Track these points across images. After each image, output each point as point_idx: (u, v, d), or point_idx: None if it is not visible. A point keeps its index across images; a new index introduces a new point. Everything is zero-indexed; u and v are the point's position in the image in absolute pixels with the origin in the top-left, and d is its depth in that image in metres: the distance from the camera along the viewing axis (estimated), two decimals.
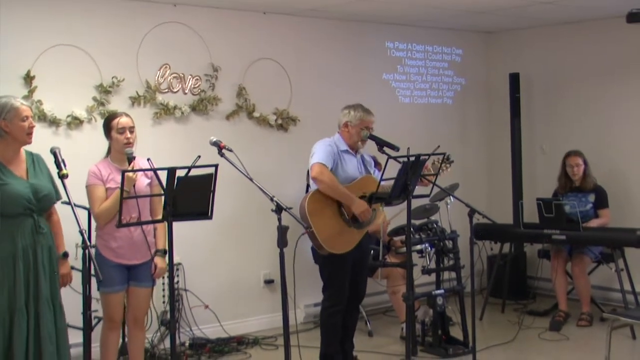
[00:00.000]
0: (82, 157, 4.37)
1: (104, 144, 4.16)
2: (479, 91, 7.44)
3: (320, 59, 6.26)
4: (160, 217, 4.04)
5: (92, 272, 3.39)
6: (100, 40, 5.12)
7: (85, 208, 4.33)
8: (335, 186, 4.40)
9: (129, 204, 3.88)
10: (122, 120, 4.04)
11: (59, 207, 3.79)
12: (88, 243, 3.34)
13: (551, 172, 6.44)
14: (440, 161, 4.66)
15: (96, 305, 4.22)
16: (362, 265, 4.70)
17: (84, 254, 3.38)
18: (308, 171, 4.96)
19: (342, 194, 4.41)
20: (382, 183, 4.39)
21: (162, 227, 4.11)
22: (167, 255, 4.05)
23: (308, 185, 5.07)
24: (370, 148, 4.83)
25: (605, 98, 6.58)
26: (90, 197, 4.00)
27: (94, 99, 5.11)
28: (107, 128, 4.08)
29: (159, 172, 3.58)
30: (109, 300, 4.04)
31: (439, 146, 4.65)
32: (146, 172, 4.02)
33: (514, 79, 6.94)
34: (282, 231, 3.65)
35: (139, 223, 3.96)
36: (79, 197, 3.90)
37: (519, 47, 7.23)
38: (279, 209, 3.68)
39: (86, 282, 3.41)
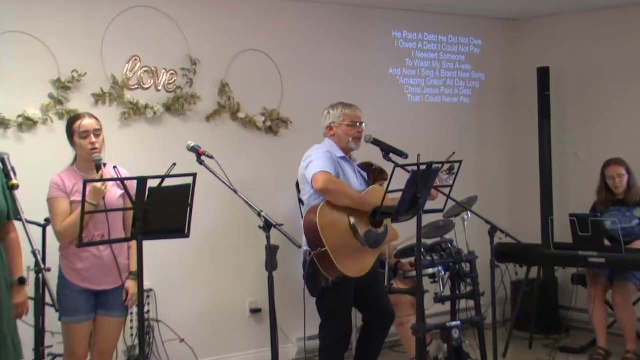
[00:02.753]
0: (36, 164, 4.39)
1: (63, 149, 4.18)
2: (501, 88, 7.47)
3: (316, 51, 6.30)
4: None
5: (49, 300, 3.38)
6: (58, 27, 5.14)
7: (38, 224, 4.35)
8: (349, 193, 4.46)
9: (97, 219, 3.89)
10: (85, 123, 4.06)
11: None
12: (42, 265, 3.33)
13: (586, 183, 6.46)
14: (445, 172, 4.70)
15: (51, 340, 4.23)
16: (377, 284, 4.77)
17: (37, 279, 3.37)
18: (297, 185, 4.99)
19: (357, 201, 4.48)
20: (389, 196, 4.42)
21: (135, 247, 4.11)
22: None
23: (300, 201, 5.09)
24: (371, 155, 4.86)
25: None
26: (52, 212, 4.02)
27: (51, 96, 5.12)
28: (70, 132, 4.09)
29: (127, 182, 3.60)
30: (72, 331, 4.02)
31: (454, 153, 4.68)
32: (119, 182, 4.03)
33: (543, 74, 6.98)
34: (272, 252, 3.67)
35: (104, 242, 3.96)
36: (32, 211, 3.92)
37: (548, 37, 7.27)
38: (267, 226, 3.70)
39: (39, 313, 3.38)
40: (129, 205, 3.93)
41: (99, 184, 3.82)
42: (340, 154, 4.66)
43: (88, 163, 4.02)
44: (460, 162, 4.68)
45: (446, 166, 4.86)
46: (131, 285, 4.10)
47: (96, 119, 4.13)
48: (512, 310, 6.64)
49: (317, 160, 4.50)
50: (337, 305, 4.56)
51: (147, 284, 5.02)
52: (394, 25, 6.77)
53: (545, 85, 6.97)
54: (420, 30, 6.91)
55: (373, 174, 5.29)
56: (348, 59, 6.47)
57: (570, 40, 7.12)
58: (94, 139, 4.03)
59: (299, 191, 5.04)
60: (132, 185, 3.83)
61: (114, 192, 4.04)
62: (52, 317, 4.10)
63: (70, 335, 4.03)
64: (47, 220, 4.39)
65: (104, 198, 3.91)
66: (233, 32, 5.88)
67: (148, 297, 5.31)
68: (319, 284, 4.46)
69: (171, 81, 5.58)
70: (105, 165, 3.98)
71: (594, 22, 6.95)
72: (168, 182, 3.44)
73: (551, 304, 6.85)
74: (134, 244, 4.05)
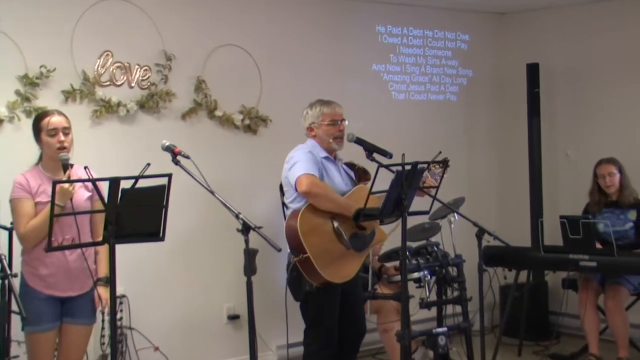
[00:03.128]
0: (2, 164, 4.35)
1: (31, 148, 4.15)
2: (489, 85, 7.51)
3: (296, 46, 6.30)
4: (101, 238, 4.05)
5: (15, 307, 3.36)
6: (25, 20, 5.11)
7: (4, 228, 4.31)
8: (333, 197, 4.47)
9: (63, 222, 3.87)
10: (54, 120, 4.03)
11: None
12: (8, 271, 3.32)
13: (578, 184, 6.49)
14: (439, 167, 4.71)
15: (17, 350, 4.20)
16: (355, 295, 4.76)
17: (2, 285, 3.35)
18: (281, 187, 4.98)
19: (342, 205, 4.48)
20: (375, 196, 4.42)
21: (104, 251, 4.10)
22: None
23: (284, 205, 5.09)
24: (354, 154, 4.87)
25: None
26: (14, 213, 3.99)
27: (17, 92, 5.09)
28: (36, 129, 4.07)
29: (99, 183, 3.58)
30: (36, 341, 3.99)
31: (440, 152, 4.68)
32: (87, 183, 4.00)
33: (532, 70, 7.02)
34: (250, 255, 3.67)
35: (74, 246, 3.94)
36: None
37: (538, 32, 7.31)
38: (246, 229, 3.69)
39: (5, 321, 3.37)
40: (97, 208, 3.94)
41: (66, 185, 3.79)
42: (324, 154, 4.66)
43: (55, 163, 3.99)
44: (447, 161, 4.69)
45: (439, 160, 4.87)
46: (103, 291, 4.08)
47: (65, 116, 4.11)
48: (500, 316, 6.66)
49: (300, 162, 4.50)
50: (322, 309, 4.57)
51: (119, 290, 5.00)
52: (378, 20, 6.78)
53: (534, 81, 7.01)
54: (404, 25, 6.93)
55: (357, 174, 5.30)
56: (330, 54, 6.48)
57: (561, 35, 7.16)
58: (62, 137, 4.00)
59: (282, 194, 5.03)
60: (101, 187, 3.83)
61: (81, 194, 4.02)
62: (18, 326, 4.06)
63: (35, 346, 4.00)
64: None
65: (71, 200, 3.88)
66: (210, 26, 5.87)
67: (121, 303, 5.28)
68: (303, 287, 4.46)
69: (145, 77, 5.56)
70: (72, 166, 3.94)
71: (585, 16, 6.99)
72: (142, 183, 3.43)
73: (541, 309, 6.89)
74: (102, 248, 4.07)
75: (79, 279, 4.02)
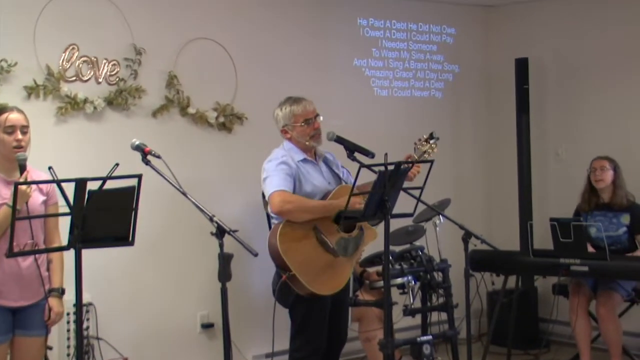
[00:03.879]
0: None
1: None
2: (476, 81, 7.55)
3: (273, 40, 6.30)
4: (56, 244, 4.04)
5: None
6: None
7: None
8: (308, 205, 4.48)
9: (17, 227, 3.83)
10: (12, 117, 4.00)
11: None
12: None
13: (569, 185, 6.54)
14: (425, 144, 4.73)
15: None
16: (342, 301, 4.77)
17: None
18: (263, 195, 4.99)
19: (319, 210, 4.51)
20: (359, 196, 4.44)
21: (58, 260, 4.09)
22: (64, 295, 4.05)
23: (268, 216, 5.10)
24: (335, 153, 4.88)
25: None
26: None
27: None
28: None
29: (64, 184, 3.57)
30: None
31: (422, 137, 4.71)
32: (42, 186, 3.99)
33: (521, 66, 7.06)
34: (225, 260, 3.67)
35: (38, 251, 3.92)
36: None
37: (527, 26, 7.35)
38: (220, 232, 3.70)
39: None
40: (52, 212, 3.94)
41: (24, 186, 3.77)
42: (302, 156, 4.67)
43: (9, 163, 3.96)
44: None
45: (425, 137, 4.90)
46: (54, 303, 4.03)
47: (24, 114, 4.06)
48: (488, 324, 6.69)
49: (270, 177, 4.53)
50: (311, 315, 4.58)
51: (85, 298, 4.99)
52: (359, 12, 6.80)
53: (523, 77, 7.04)
54: (387, 18, 6.95)
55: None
56: (309, 48, 6.49)
57: (552, 29, 7.20)
58: (20, 136, 3.95)
59: (265, 203, 5.04)
60: (54, 190, 3.82)
61: (35, 198, 3.96)
62: None
63: None
64: None
65: (27, 203, 3.85)
66: (182, 18, 5.86)
67: (87, 312, 5.27)
68: (291, 294, 4.48)
69: (113, 72, 5.54)
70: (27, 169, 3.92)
71: (577, 9, 7.03)
72: (110, 185, 3.43)
73: (530, 316, 6.93)
74: (56, 256, 4.06)
75: (31, 287, 3.97)
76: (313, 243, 4.48)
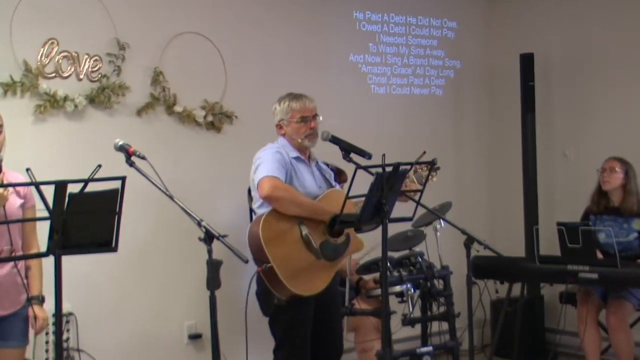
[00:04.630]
0: None
1: None
2: (478, 78, 7.56)
3: (265, 34, 6.31)
4: (34, 249, 4.03)
5: None
6: None
7: None
8: (299, 199, 4.47)
9: None
10: None
11: None
12: None
13: (577, 187, 6.55)
14: (425, 169, 4.74)
15: None
16: (333, 310, 4.77)
17: None
18: (249, 191, 4.99)
19: (309, 208, 4.49)
20: (350, 201, 4.44)
21: (37, 266, 4.09)
22: (48, 302, 4.04)
23: (251, 211, 5.10)
24: (329, 154, 4.88)
25: None
26: None
27: None
28: None
29: (43, 187, 3.56)
30: None
31: (424, 152, 4.73)
32: (19, 189, 3.98)
33: (527, 62, 7.07)
34: (214, 267, 3.67)
35: (16, 258, 3.92)
36: None
37: (533, 19, 7.37)
38: (209, 237, 3.69)
39: None
40: (30, 216, 3.93)
41: (1, 189, 3.76)
42: (295, 153, 4.67)
43: None
44: (433, 162, 4.72)
45: (428, 166, 4.91)
46: (38, 310, 4.03)
47: None
48: (492, 334, 6.70)
49: (264, 164, 4.51)
50: (293, 326, 4.57)
51: (66, 307, 4.98)
52: (355, 5, 6.82)
53: (529, 74, 7.05)
54: (385, 11, 6.97)
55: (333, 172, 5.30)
56: (302, 43, 6.50)
57: (559, 22, 7.22)
58: None
59: (250, 199, 5.04)
60: (32, 193, 3.81)
61: (13, 201, 3.95)
62: None
63: None
64: None
65: (4, 207, 3.84)
66: (168, 11, 5.86)
67: (67, 322, 5.26)
68: (272, 301, 4.47)
69: (95, 68, 5.54)
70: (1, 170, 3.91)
71: (587, 2, 7.04)
72: (92, 187, 3.43)
73: (536, 326, 6.94)
74: (34, 262, 4.05)
75: (9, 295, 3.96)
76: (296, 239, 4.47)
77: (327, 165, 5.07)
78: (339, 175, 5.54)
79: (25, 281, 4.04)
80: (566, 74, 7.21)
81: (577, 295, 6.13)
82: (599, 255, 5.83)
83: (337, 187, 4.92)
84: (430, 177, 4.82)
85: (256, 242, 4.35)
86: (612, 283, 5.79)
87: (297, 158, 4.66)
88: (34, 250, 4.02)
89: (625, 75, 6.85)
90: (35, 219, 3.98)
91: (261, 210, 4.56)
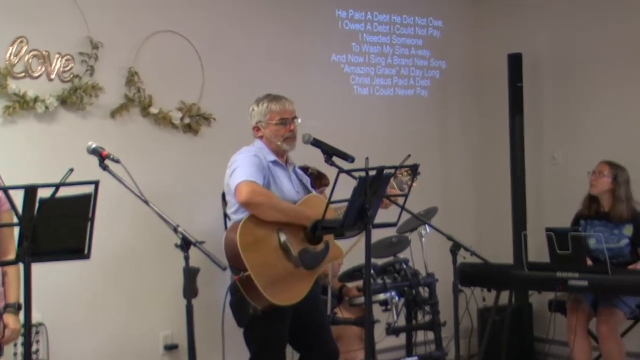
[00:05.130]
0: None
1: None
2: (465, 79, 7.58)
3: (244, 33, 6.30)
4: (12, 256, 4.01)
5: None
6: None
7: None
8: (278, 204, 4.47)
9: None
10: None
11: None
12: None
13: (567, 191, 6.57)
14: (406, 174, 4.75)
15: None
16: (317, 314, 4.78)
17: None
18: (223, 195, 4.98)
19: (290, 213, 4.50)
20: (332, 207, 4.44)
21: (14, 272, 4.06)
22: (21, 311, 4.03)
23: (226, 216, 5.09)
24: (310, 157, 4.88)
25: None
26: None
27: None
28: None
29: (12, 191, 3.55)
30: None
31: (409, 155, 4.73)
32: None
33: (515, 62, 7.10)
34: (191, 275, 3.67)
35: None
36: None
37: (521, 18, 7.40)
38: (186, 244, 3.69)
39: None
40: (5, 220, 3.91)
41: None
42: (272, 157, 4.67)
43: None
44: (416, 166, 4.73)
45: (409, 170, 4.92)
46: (10, 320, 4.02)
47: None
48: (478, 343, 6.71)
49: (241, 167, 4.49)
50: (269, 337, 4.57)
51: (35, 317, 4.97)
52: (337, 3, 6.82)
53: (517, 74, 7.09)
54: (369, 9, 6.98)
55: (311, 179, 5.30)
56: (282, 43, 6.50)
57: (547, 22, 7.24)
58: None
59: (225, 203, 5.03)
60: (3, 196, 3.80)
61: None
62: None
63: None
64: None
65: None
66: (144, 9, 5.85)
67: (37, 332, 5.24)
68: (247, 311, 4.46)
69: (67, 68, 5.52)
70: None
71: (577, 2, 7.07)
72: (63, 192, 3.42)
73: (525, 335, 6.97)
74: (12, 269, 4.03)
75: None
76: (274, 247, 4.47)
77: (304, 170, 5.07)
78: (320, 179, 5.54)
79: (1, 289, 4.03)
80: (555, 74, 7.24)
81: (567, 303, 6.14)
82: (589, 261, 5.85)
83: (315, 193, 4.92)
84: (408, 182, 4.84)
85: (233, 249, 4.34)
86: (603, 290, 5.80)
87: (274, 162, 4.65)
88: (11, 256, 4.00)
89: (616, 75, 6.86)
90: (3, 225, 3.95)
91: (236, 216, 4.55)
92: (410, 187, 4.76)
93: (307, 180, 4.94)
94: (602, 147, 6.66)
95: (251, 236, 4.39)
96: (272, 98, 4.74)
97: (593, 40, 6.98)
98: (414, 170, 4.76)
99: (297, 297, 4.51)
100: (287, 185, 4.67)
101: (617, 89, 6.87)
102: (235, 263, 4.33)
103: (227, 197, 4.72)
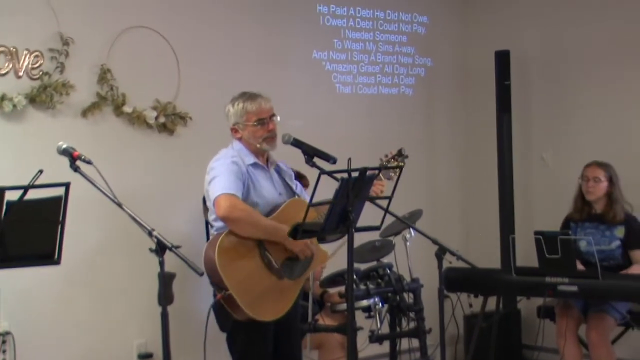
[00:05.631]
0: None
1: None
2: (451, 77, 7.60)
3: (221, 28, 6.30)
4: None
5: None
6: None
7: None
8: (257, 221, 4.45)
9: None
10: None
11: None
12: None
13: (556, 193, 6.59)
14: (395, 160, 4.75)
15: None
16: (290, 328, 4.76)
17: None
18: (204, 201, 4.96)
19: (269, 230, 4.47)
20: (314, 208, 4.43)
21: None
22: None
23: (207, 223, 5.08)
24: (290, 158, 4.88)
25: (637, 87, 6.74)
26: None
27: None
28: None
29: None
30: None
31: (390, 152, 4.72)
32: None
33: (502, 60, 7.12)
34: (166, 281, 3.66)
35: None
36: None
37: (509, 14, 7.42)
38: (161, 248, 3.68)
39: None
40: None
41: None
42: (252, 159, 4.65)
43: None
44: (400, 167, 4.73)
45: (393, 153, 4.93)
46: None
47: None
48: (465, 351, 6.71)
49: (220, 177, 4.48)
50: (253, 343, 4.56)
51: (2, 326, 4.95)
52: None
53: (505, 72, 7.10)
54: (351, 4, 6.98)
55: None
56: (261, 39, 6.49)
57: (536, 18, 7.27)
58: None
59: (206, 209, 5.02)
60: None
61: None
62: None
63: None
64: None
65: None
66: (117, 3, 5.83)
67: (4, 342, 5.22)
68: (230, 316, 4.45)
69: (36, 65, 5.50)
70: None
71: None
72: (32, 194, 3.40)
73: (513, 342, 6.99)
74: None
75: None
76: (256, 261, 4.47)
77: (286, 165, 5.04)
78: (300, 178, 5.53)
79: None
80: (544, 72, 7.26)
81: (556, 308, 6.15)
82: (579, 266, 5.86)
83: (298, 187, 4.90)
84: (394, 171, 4.83)
85: (212, 268, 4.33)
86: (593, 296, 5.81)
87: (254, 164, 4.64)
88: None
89: (606, 73, 6.89)
90: None
91: (218, 223, 4.55)
92: (398, 177, 4.73)
93: (291, 175, 4.90)
94: (593, 147, 6.68)
95: (230, 253, 4.38)
96: (247, 97, 4.71)
97: (584, 37, 7.01)
98: (400, 155, 4.77)
99: (283, 310, 4.51)
100: (269, 188, 4.65)
101: (608, 87, 6.90)
102: (216, 281, 4.35)
103: (208, 204, 4.70)
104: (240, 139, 4.71)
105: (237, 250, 4.41)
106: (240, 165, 4.56)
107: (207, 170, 4.62)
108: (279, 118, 4.78)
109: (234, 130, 4.72)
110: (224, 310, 4.47)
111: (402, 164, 4.90)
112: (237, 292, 4.30)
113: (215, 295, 4.46)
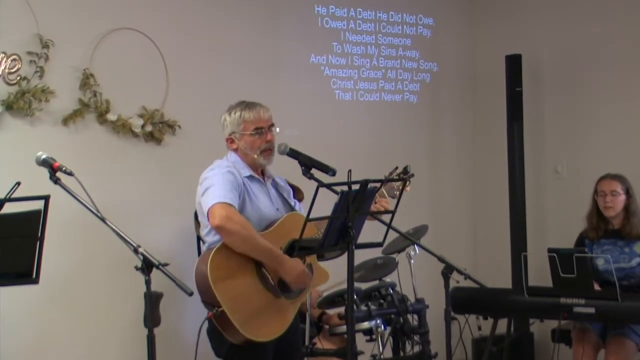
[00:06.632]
0: None
1: None
2: (458, 83, 7.61)
3: (213, 31, 6.31)
4: None
5: None
6: None
7: None
8: (252, 239, 4.42)
9: None
10: None
11: None
12: None
13: (570, 208, 6.59)
14: (398, 177, 4.76)
15: None
16: (292, 350, 4.77)
17: None
18: (196, 215, 4.96)
19: (264, 251, 4.45)
20: (312, 223, 4.43)
21: None
22: None
23: (199, 239, 5.07)
24: (286, 169, 4.88)
25: None
26: None
27: None
28: None
29: None
30: None
31: (397, 167, 4.73)
32: None
33: (514, 65, 7.13)
34: (153, 301, 3.65)
35: None
36: None
37: (520, 16, 7.44)
38: (147, 266, 3.68)
39: None
40: None
41: None
42: (248, 171, 4.65)
43: None
44: (405, 179, 4.74)
45: (398, 171, 4.93)
46: None
47: None
48: None
49: (215, 187, 4.47)
50: None
51: None
52: None
53: (516, 78, 7.12)
54: (352, 5, 7.00)
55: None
56: (256, 42, 6.50)
57: (549, 20, 7.29)
58: None
59: (197, 224, 5.01)
60: None
61: None
62: None
63: None
64: None
65: None
66: (100, 3, 5.84)
67: None
68: (226, 340, 4.44)
69: (13, 70, 5.50)
70: None
71: None
72: (9, 208, 3.40)
73: None
74: None
75: None
76: (251, 277, 4.45)
77: (284, 180, 5.05)
78: (296, 193, 5.53)
79: None
80: (558, 78, 7.27)
81: (572, 332, 6.14)
82: (597, 286, 5.86)
83: (297, 205, 4.90)
84: (398, 187, 4.84)
85: (204, 283, 4.32)
86: (612, 319, 5.75)
87: (250, 177, 4.64)
88: None
89: (625, 80, 6.91)
90: None
91: (210, 238, 4.54)
92: (401, 192, 4.74)
93: (289, 191, 4.90)
94: (609, 158, 6.70)
95: (224, 267, 4.37)
96: (245, 106, 4.71)
97: (601, 40, 7.03)
98: (405, 175, 4.77)
99: (279, 331, 4.49)
100: (265, 203, 4.65)
101: (627, 94, 6.91)
102: (208, 297, 4.32)
103: (200, 218, 4.69)
104: (236, 150, 4.71)
105: (231, 264, 4.40)
106: (237, 176, 4.56)
107: (199, 182, 4.61)
108: (278, 129, 4.78)
109: (230, 140, 4.72)
110: (219, 333, 4.46)
111: (408, 182, 4.90)
112: (230, 310, 4.29)
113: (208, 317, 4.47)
